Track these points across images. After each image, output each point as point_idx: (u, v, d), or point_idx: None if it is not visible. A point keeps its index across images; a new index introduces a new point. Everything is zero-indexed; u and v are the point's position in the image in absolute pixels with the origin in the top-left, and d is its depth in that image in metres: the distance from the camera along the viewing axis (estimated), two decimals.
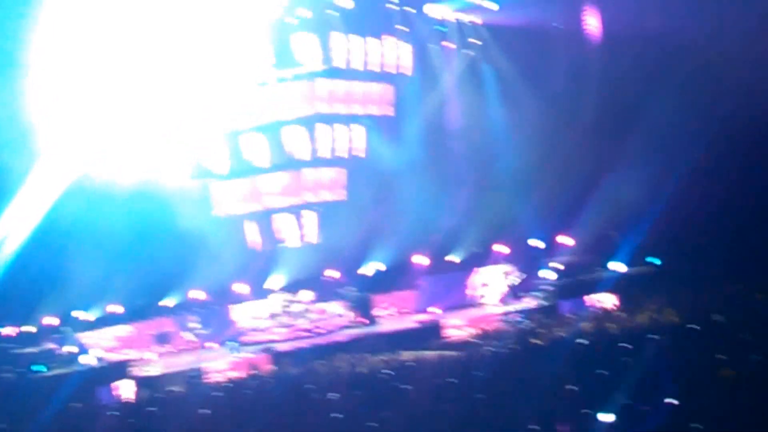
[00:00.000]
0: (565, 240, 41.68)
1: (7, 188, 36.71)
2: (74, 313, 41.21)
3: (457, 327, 36.84)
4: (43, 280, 39.73)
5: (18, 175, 37.06)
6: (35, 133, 37.26)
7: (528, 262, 41.02)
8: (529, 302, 39.28)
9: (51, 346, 39.84)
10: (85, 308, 41.45)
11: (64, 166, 38.29)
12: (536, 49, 43.71)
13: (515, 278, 40.66)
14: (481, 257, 42.50)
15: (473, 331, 35.99)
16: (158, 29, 38.13)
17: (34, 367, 37.59)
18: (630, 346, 27.19)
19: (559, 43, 43.74)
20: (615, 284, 36.43)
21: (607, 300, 35.56)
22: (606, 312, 33.99)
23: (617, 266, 37.90)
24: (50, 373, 37.25)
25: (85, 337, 40.26)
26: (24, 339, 40.33)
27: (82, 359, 38.67)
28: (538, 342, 30.40)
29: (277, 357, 35.44)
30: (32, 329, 41.06)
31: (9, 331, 40.29)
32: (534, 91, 43.95)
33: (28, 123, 37.03)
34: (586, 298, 36.21)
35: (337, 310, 41.05)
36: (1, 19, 34.84)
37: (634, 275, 37.11)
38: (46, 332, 40.88)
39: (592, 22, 43.96)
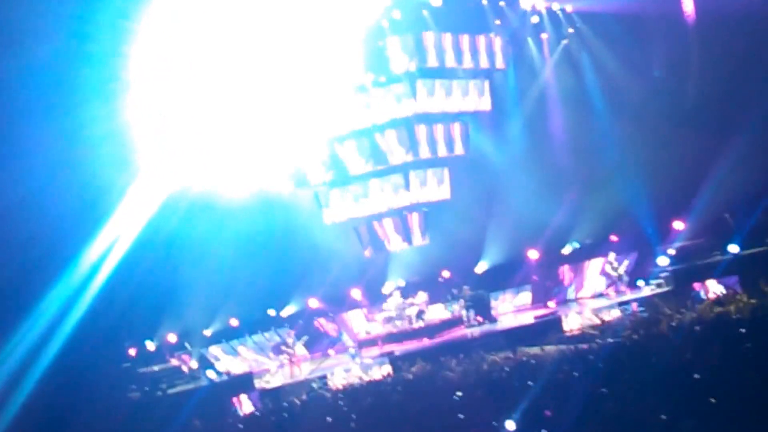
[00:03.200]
0: (679, 226, 41.16)
1: (112, 205, 37.21)
2: (193, 329, 41.69)
3: (575, 320, 36.59)
4: (160, 298, 40.29)
5: (122, 191, 37.55)
6: (139, 147, 37.80)
7: (643, 250, 40.58)
8: (646, 290, 38.89)
9: (172, 363, 40.35)
10: (204, 324, 41.93)
11: (169, 181, 38.75)
12: (634, 35, 43.24)
13: (631, 267, 40.32)
14: (595, 248, 42.14)
15: (592, 322, 35.72)
16: (255, 39, 38.39)
17: (158, 385, 38.15)
18: (750, 331, 26.88)
19: (657, 27, 43.14)
20: (733, 267, 35.89)
21: (726, 284, 35.11)
22: (725, 296, 33.54)
23: (734, 249, 37.30)
24: (173, 390, 37.74)
25: (205, 352, 40.73)
26: (146, 358, 40.89)
27: (204, 374, 39.13)
28: (658, 330, 30.11)
29: (396, 360, 35.44)
30: (153, 348, 41.64)
31: (131, 351, 40.88)
32: (635, 78, 43.48)
33: (131, 137, 37.57)
34: (704, 282, 35.77)
35: (453, 310, 41.02)
36: (102, 33, 35.33)
37: (752, 257, 36.48)
38: (167, 350, 41.42)
39: (689, 4, 43.22)
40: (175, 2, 37.54)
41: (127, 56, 36.83)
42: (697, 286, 35.90)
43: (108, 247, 37.12)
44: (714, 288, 35.37)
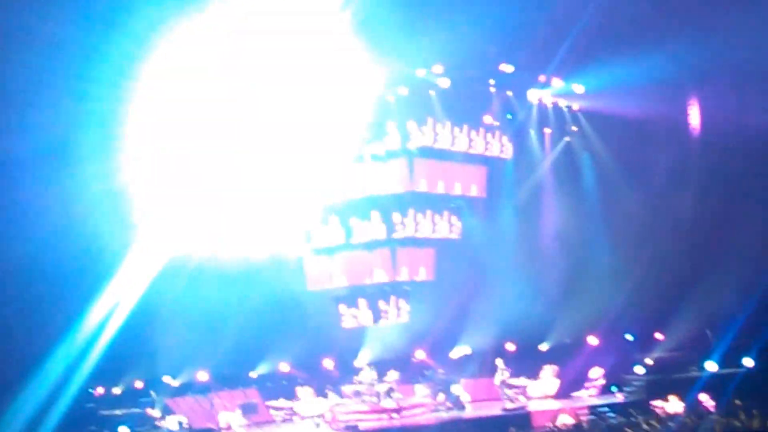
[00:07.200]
0: (659, 336, 41.17)
1: (106, 262, 37.38)
2: (162, 378, 41.45)
3: (544, 417, 36.42)
4: (133, 343, 40.11)
5: (116, 251, 37.75)
6: (133, 209, 37.91)
7: (620, 356, 40.53)
8: (619, 397, 38.82)
9: (137, 409, 40.08)
10: (173, 374, 41.66)
11: (162, 243, 38.84)
12: (637, 141, 43.35)
13: (606, 371, 40.26)
14: (573, 348, 42.07)
15: (561, 422, 35.54)
16: (257, 100, 38.47)
17: (120, 429, 37.86)
18: None
19: (661, 134, 43.25)
20: (708, 384, 35.80)
21: (700, 400, 34.95)
22: (697, 412, 33.45)
23: (711, 366, 37.31)
24: None
25: (171, 402, 40.46)
26: (111, 400, 40.68)
27: (166, 424, 38.84)
28: None
29: None
30: (119, 391, 41.38)
31: (98, 391, 40.66)
32: (632, 182, 43.60)
33: (126, 199, 37.66)
34: (678, 396, 35.62)
35: (423, 392, 40.77)
36: (102, 91, 35.46)
37: (728, 376, 36.47)
38: (133, 395, 41.18)
39: (695, 114, 43.36)
40: (177, 63, 37.47)
41: (128, 115, 36.90)
42: (666, 399, 35.64)
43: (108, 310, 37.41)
44: (681, 404, 35.12)
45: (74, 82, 34.25)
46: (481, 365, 42.21)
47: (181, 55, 37.18)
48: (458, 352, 43.81)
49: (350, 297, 42.73)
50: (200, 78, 37.60)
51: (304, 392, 41.31)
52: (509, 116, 44.32)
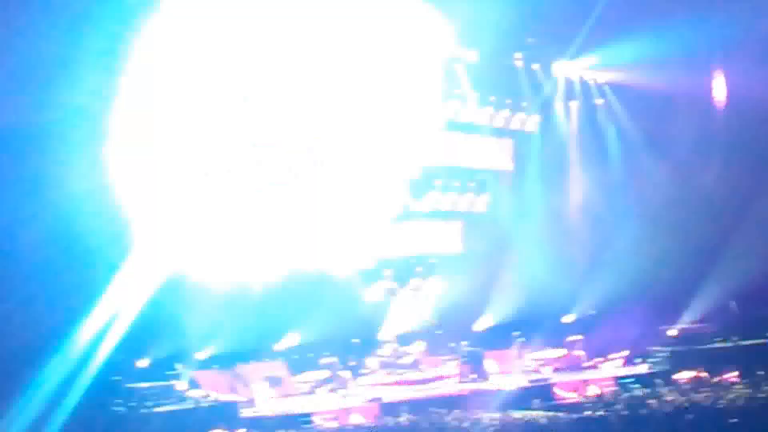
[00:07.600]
0: (684, 308, 41.12)
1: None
2: (187, 350, 41.54)
3: (568, 389, 36.46)
4: (158, 316, 40.24)
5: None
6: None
7: (645, 327, 40.50)
8: (643, 368, 38.82)
9: (163, 382, 40.17)
10: (199, 346, 41.78)
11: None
12: (662, 112, 43.30)
13: (630, 343, 40.25)
14: (597, 319, 42.08)
15: (585, 393, 35.59)
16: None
17: (145, 402, 37.95)
18: (743, 421, 26.80)
19: (687, 106, 43.18)
20: (733, 356, 35.80)
21: (724, 372, 34.92)
22: (720, 384, 33.40)
23: (736, 338, 37.27)
24: (160, 409, 37.58)
25: (197, 374, 40.56)
26: (137, 373, 40.72)
27: (192, 397, 38.93)
28: (649, 410, 30.02)
29: (386, 407, 35.31)
30: (145, 364, 41.48)
31: (123, 364, 40.71)
32: (657, 154, 43.60)
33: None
34: (701, 367, 35.62)
35: (447, 363, 40.86)
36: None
37: (752, 347, 36.43)
38: (159, 367, 41.26)
39: (721, 85, 43.25)
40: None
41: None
42: (690, 370, 35.65)
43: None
44: (704, 376, 35.13)
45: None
46: (506, 337, 42.28)
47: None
48: (483, 324, 43.90)
49: (376, 269, 42.81)
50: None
51: (329, 364, 41.48)
52: (535, 89, 44.14)
